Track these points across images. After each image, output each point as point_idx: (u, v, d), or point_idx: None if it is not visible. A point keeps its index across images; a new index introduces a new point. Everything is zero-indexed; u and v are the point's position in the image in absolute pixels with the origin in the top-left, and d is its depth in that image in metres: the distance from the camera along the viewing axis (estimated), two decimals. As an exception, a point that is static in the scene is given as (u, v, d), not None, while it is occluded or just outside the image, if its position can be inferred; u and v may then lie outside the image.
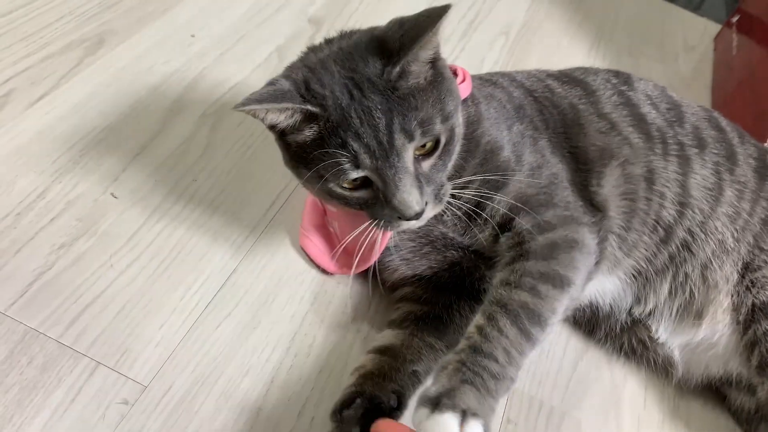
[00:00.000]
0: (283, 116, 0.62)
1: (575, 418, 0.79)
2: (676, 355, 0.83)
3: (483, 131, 0.73)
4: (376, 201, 0.65)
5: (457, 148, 0.68)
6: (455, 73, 0.72)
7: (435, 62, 0.65)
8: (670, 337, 0.82)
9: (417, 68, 0.62)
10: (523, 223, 0.70)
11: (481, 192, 0.70)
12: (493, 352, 0.62)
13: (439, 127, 0.63)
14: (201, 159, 0.94)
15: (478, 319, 0.65)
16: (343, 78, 0.62)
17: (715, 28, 1.62)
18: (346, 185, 0.64)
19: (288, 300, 0.81)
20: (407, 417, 0.69)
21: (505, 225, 0.72)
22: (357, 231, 0.68)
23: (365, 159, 0.61)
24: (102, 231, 0.81)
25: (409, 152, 0.62)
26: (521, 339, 0.63)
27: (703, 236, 0.79)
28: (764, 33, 1.32)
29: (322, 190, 0.66)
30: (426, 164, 0.65)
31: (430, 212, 0.66)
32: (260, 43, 1.16)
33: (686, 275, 0.79)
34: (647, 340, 0.83)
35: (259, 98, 0.61)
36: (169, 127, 0.96)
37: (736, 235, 0.79)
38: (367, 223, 0.66)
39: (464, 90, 0.73)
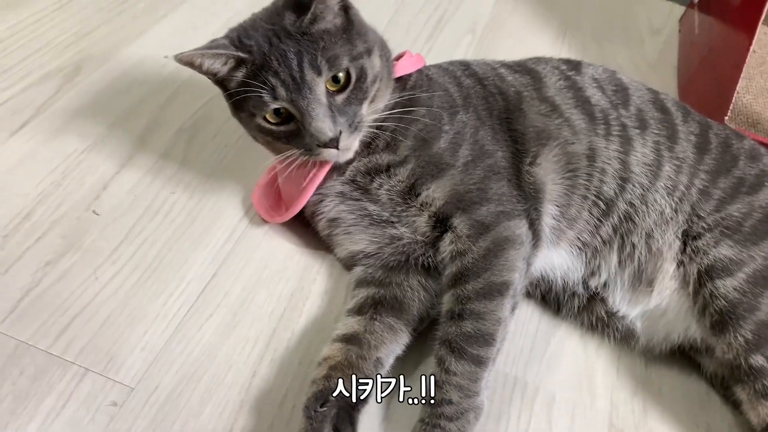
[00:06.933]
0: (218, 62, 0.75)
1: (549, 391, 0.82)
2: (635, 325, 0.86)
3: (416, 118, 0.81)
4: (299, 132, 0.76)
5: (371, 88, 0.78)
6: (401, 56, 0.85)
7: (346, 10, 0.77)
8: (627, 308, 0.86)
9: (327, 14, 0.75)
10: (459, 226, 0.77)
11: (416, 171, 0.79)
12: (445, 396, 0.69)
13: (346, 64, 0.75)
14: (178, 172, 0.98)
15: (433, 366, 0.72)
16: (265, 30, 0.75)
17: (680, 10, 1.66)
18: (271, 119, 0.77)
19: (266, 299, 0.85)
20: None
21: (443, 222, 0.79)
22: (291, 167, 0.79)
23: (281, 91, 0.74)
24: (86, 247, 0.86)
25: (319, 85, 0.74)
26: (471, 367, 0.70)
27: (644, 208, 0.83)
28: (720, 9, 1.36)
29: (255, 128, 0.79)
30: (339, 98, 0.76)
31: (346, 140, 0.76)
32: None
33: (633, 245, 0.84)
34: (605, 315, 0.87)
35: (198, 48, 0.75)
36: (146, 144, 1.01)
37: (674, 206, 0.84)
38: (296, 152, 0.78)
39: (402, 67, 0.85)
